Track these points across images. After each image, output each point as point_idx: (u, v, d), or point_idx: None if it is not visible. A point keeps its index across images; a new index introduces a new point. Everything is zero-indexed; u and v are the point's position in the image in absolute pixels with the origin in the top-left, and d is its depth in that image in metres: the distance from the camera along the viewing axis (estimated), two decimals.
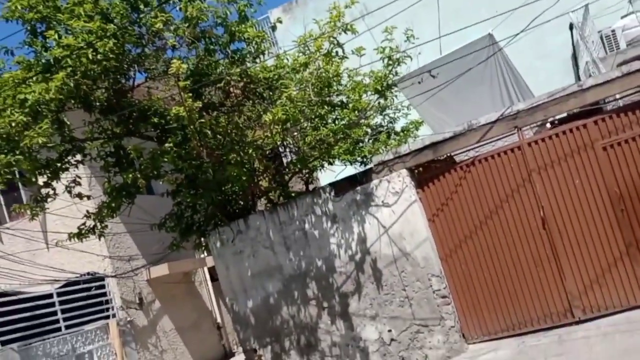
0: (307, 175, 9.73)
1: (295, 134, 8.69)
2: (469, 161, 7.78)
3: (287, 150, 9.55)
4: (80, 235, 8.36)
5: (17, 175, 7.52)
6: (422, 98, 9.96)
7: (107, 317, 12.55)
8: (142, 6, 6.98)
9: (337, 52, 7.53)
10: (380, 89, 7.89)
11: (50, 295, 11.30)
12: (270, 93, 8.07)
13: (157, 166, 7.62)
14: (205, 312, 16.74)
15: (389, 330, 7.89)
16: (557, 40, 12.78)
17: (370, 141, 10.22)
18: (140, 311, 13.70)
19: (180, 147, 7.46)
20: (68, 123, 7.57)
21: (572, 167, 7.27)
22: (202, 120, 7.26)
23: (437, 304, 7.67)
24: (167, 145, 7.44)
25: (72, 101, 7.13)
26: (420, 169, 8.06)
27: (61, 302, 11.41)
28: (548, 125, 7.97)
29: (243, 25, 7.40)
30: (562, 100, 7.16)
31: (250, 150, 7.88)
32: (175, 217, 9.04)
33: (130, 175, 7.48)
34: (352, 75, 8.87)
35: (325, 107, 8.31)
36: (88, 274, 12.38)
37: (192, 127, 7.12)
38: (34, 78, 6.56)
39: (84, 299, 11.99)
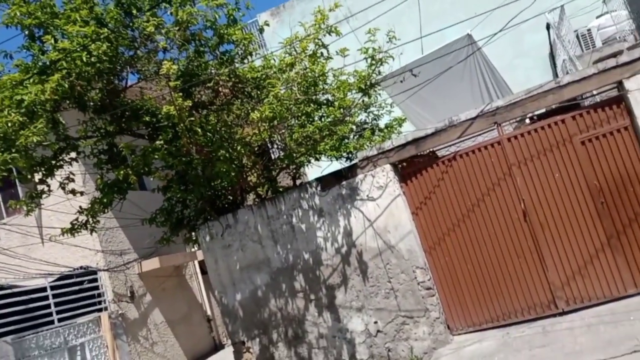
0: (294, 171, 9.92)
1: (283, 131, 8.89)
2: (451, 156, 7.98)
3: (275, 146, 9.76)
4: (73, 230, 8.50)
5: (14, 173, 7.69)
6: (404, 96, 10.18)
7: (99, 310, 12.71)
8: (134, 11, 7.14)
9: (322, 53, 7.71)
10: (364, 87, 8.07)
11: (44, 289, 11.44)
12: (258, 92, 8.22)
13: (148, 163, 7.76)
14: (195, 305, 16.87)
15: (375, 322, 8.05)
16: (535, 39, 13.05)
17: (355, 137, 10.43)
18: (132, 304, 13.85)
19: (170, 145, 7.58)
20: (63, 122, 7.72)
21: (551, 161, 7.45)
22: (192, 119, 7.41)
23: (422, 296, 7.82)
24: (158, 142, 7.56)
25: (67, 101, 7.29)
26: (404, 163, 8.23)
27: (54, 296, 11.56)
28: (527, 121, 8.20)
29: (231, 28, 7.59)
30: (540, 96, 7.34)
31: (239, 147, 8.02)
32: (166, 212, 9.20)
33: (122, 172, 7.59)
34: (337, 75, 9.04)
35: (311, 105, 8.51)
36: (81, 267, 12.53)
37: (182, 125, 7.26)
38: (31, 80, 6.73)
39: (76, 292, 12.14)
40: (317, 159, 9.48)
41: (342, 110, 8.41)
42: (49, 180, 8.01)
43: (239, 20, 7.72)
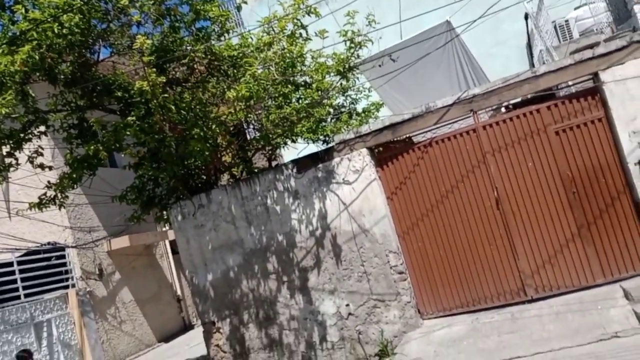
0: (270, 152, 9.84)
1: (259, 111, 8.79)
2: (427, 142, 7.99)
3: (251, 127, 9.66)
4: (40, 205, 8.34)
5: None
6: (382, 80, 10.14)
7: (67, 287, 12.57)
8: None
9: (300, 33, 7.62)
10: (342, 70, 8.01)
11: (10, 264, 11.26)
12: (235, 71, 8.09)
13: (119, 139, 7.61)
14: (165, 284, 16.80)
15: (347, 305, 8.09)
16: (513, 28, 13.09)
17: (333, 121, 10.38)
18: (100, 282, 13.73)
19: (143, 121, 7.44)
20: (32, 95, 7.52)
21: (525, 150, 7.51)
22: (166, 95, 7.29)
23: (394, 280, 7.87)
24: (130, 118, 7.41)
25: (37, 73, 7.06)
26: (380, 148, 8.23)
27: (21, 271, 11.40)
28: (503, 109, 8.23)
29: (208, 5, 7.44)
30: (516, 85, 7.36)
31: (214, 126, 7.93)
32: (137, 190, 9.06)
33: (92, 147, 7.45)
34: (316, 57, 8.94)
35: (289, 86, 8.42)
36: (49, 243, 12.35)
37: (155, 101, 7.14)
38: (0, 50, 6.50)
39: (44, 268, 11.97)
40: (293, 141, 9.42)
41: (319, 92, 8.34)
42: (17, 153, 7.81)
43: None
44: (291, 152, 10.57)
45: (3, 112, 6.43)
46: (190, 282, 9.04)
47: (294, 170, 8.36)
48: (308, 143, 9.78)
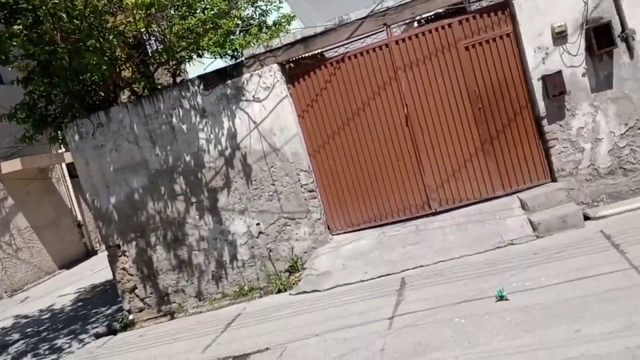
0: (174, 67, 9.26)
1: (162, 22, 8.17)
2: (339, 58, 7.84)
3: (152, 39, 8.98)
4: None
5: None
6: None
7: None
8: None
9: None
10: None
11: None
12: None
13: (4, 50, 6.91)
14: (64, 209, 16.12)
15: (257, 224, 8.05)
16: None
17: (241, 34, 9.90)
18: None
19: (31, 31, 6.76)
20: None
21: (435, 66, 7.56)
22: (56, 1, 6.59)
23: (305, 198, 7.91)
24: (16, 27, 6.69)
25: None
26: (292, 64, 8.01)
27: None
28: (415, 24, 8.16)
29: None
30: None
31: (111, 37, 7.31)
32: (28, 108, 8.30)
33: None
34: None
35: None
36: None
37: (44, 8, 6.47)
38: None
39: None
40: (199, 55, 8.93)
41: (227, 2, 7.83)
42: None
43: None
44: (197, 67, 10.05)
45: None
46: (92, 205, 8.58)
47: (201, 86, 7.97)
48: (215, 58, 9.33)
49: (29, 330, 9.91)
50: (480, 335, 4.60)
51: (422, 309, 5.52)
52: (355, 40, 7.80)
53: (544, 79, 7.05)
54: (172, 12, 7.95)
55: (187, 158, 8.14)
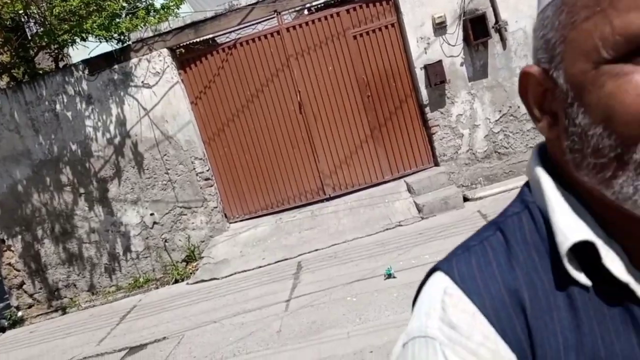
0: (56, 51, 8.78)
1: (42, 3, 7.71)
2: (231, 43, 7.82)
3: (32, 21, 8.44)
4: None
5: None
6: None
7: None
8: None
9: None
10: None
11: None
12: None
13: None
14: None
15: (152, 214, 7.91)
16: None
17: (128, 17, 9.51)
18: None
19: None
20: None
21: (326, 54, 7.72)
22: None
23: (200, 187, 7.85)
24: None
25: None
26: (182, 49, 7.88)
27: None
28: (306, 11, 8.27)
29: None
30: None
31: None
32: None
33: None
34: None
35: None
36: None
37: None
38: None
39: None
40: (83, 39, 8.46)
41: None
42: None
43: None
44: (82, 51, 9.56)
45: None
46: None
47: (86, 71, 7.67)
48: (100, 41, 8.89)
49: None
50: (370, 311, 4.85)
51: (317, 290, 5.72)
52: (246, 27, 7.79)
53: (426, 68, 7.42)
54: None
55: (74, 147, 7.82)
